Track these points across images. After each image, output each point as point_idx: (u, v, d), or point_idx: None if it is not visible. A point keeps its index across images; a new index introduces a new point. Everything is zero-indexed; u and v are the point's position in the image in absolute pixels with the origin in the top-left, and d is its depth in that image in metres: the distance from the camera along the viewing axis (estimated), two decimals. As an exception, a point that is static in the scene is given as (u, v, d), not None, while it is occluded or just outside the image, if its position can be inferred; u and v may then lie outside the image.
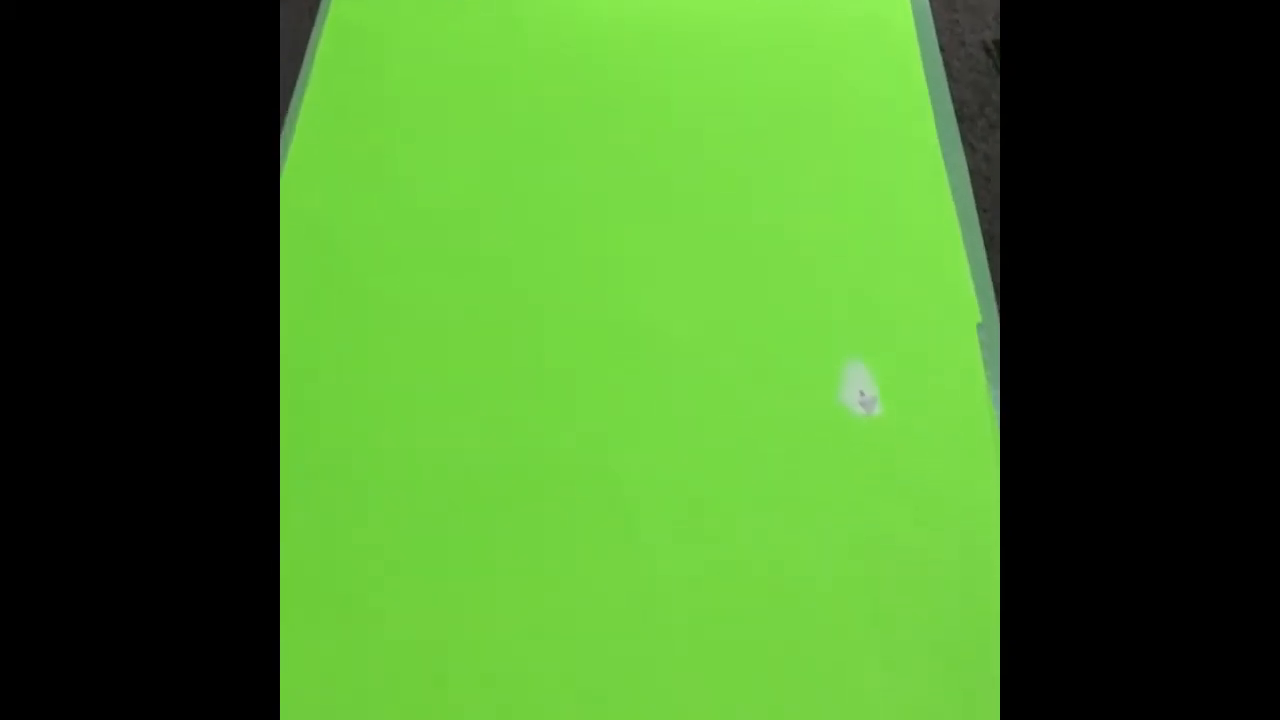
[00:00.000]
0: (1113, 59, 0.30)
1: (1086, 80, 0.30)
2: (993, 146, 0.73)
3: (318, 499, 0.50)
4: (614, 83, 0.66)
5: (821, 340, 0.56)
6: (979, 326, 0.57)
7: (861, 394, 0.54)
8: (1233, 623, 0.26)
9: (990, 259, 0.67)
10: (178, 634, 0.24)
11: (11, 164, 0.25)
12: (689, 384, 0.55)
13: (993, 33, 0.77)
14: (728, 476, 0.52)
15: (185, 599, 0.25)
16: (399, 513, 0.50)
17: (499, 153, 0.63)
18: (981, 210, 0.70)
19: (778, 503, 0.51)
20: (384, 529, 0.50)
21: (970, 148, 0.74)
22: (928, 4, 0.73)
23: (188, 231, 0.26)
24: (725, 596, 0.48)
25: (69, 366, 0.24)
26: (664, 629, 0.47)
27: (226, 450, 0.25)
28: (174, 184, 0.26)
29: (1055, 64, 0.31)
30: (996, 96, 0.76)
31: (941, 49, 0.75)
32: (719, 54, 0.66)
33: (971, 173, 0.71)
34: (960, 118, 0.73)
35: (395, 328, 0.56)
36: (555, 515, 0.50)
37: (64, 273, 0.25)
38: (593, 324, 0.56)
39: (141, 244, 0.25)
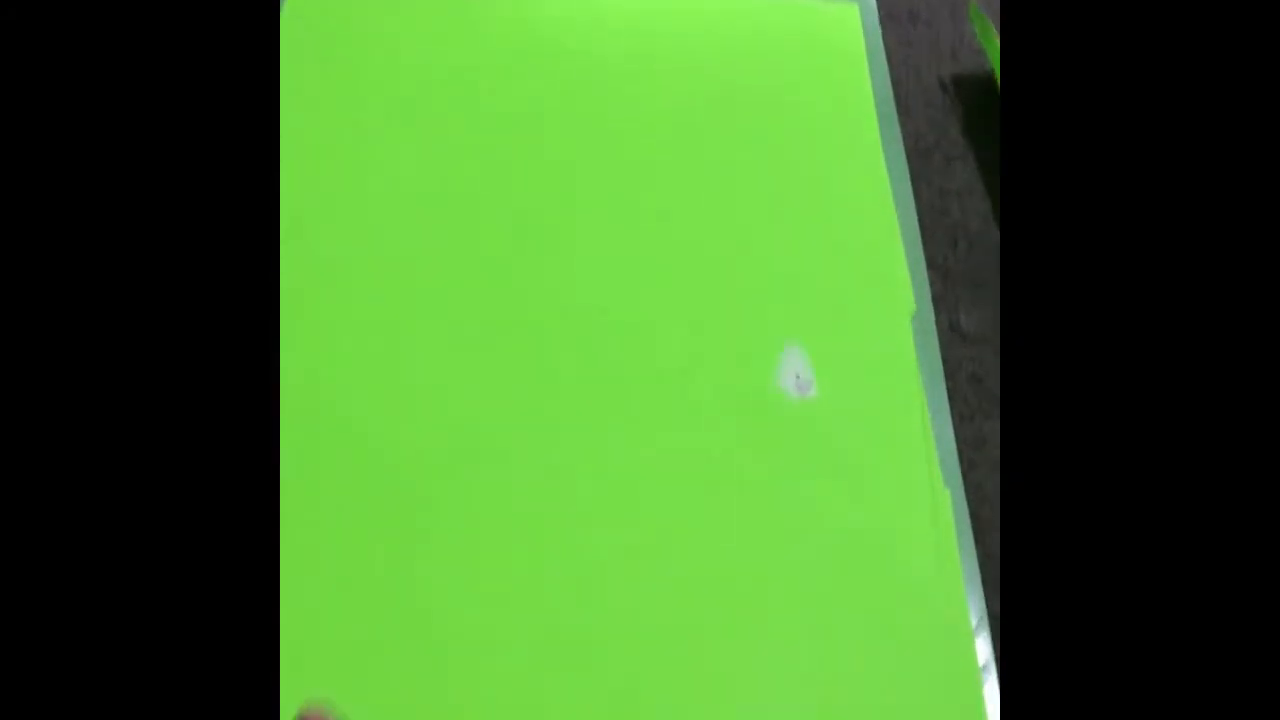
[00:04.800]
0: (1112, 72, 0.31)
1: (1087, 92, 0.31)
2: (948, 180, 0.76)
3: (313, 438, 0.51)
4: (566, 80, 0.68)
5: (762, 329, 0.60)
6: (913, 317, 0.62)
7: (797, 377, 0.58)
8: (1232, 623, 0.27)
9: (949, 293, 0.70)
10: (174, 623, 0.24)
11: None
12: (629, 369, 0.57)
13: (949, 69, 0.80)
14: (667, 458, 0.54)
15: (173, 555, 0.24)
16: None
17: (447, 146, 0.65)
18: (932, 239, 0.73)
19: (717, 483, 0.54)
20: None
21: (925, 182, 0.76)
22: (880, 37, 0.76)
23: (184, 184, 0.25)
24: (663, 576, 0.50)
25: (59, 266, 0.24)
26: (605, 610, 0.49)
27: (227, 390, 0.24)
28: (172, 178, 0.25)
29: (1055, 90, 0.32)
30: (955, 132, 0.79)
31: (898, 84, 0.78)
32: (666, 58, 0.68)
33: (926, 206, 0.74)
34: (917, 152, 0.75)
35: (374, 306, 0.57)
36: (501, 489, 0.51)
37: (62, 196, 0.24)
38: (535, 310, 0.57)
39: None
